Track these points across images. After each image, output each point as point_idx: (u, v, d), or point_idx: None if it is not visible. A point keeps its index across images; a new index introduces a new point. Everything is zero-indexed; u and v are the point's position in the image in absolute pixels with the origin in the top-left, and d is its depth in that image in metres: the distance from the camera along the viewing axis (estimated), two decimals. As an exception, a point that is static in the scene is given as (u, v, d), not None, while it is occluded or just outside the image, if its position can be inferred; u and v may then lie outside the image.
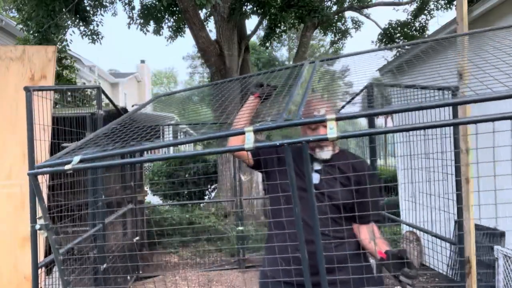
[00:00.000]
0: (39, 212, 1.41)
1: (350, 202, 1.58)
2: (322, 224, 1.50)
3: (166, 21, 8.82)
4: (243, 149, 1.13)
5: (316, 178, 1.65)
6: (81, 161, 1.24)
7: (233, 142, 1.70)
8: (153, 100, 2.20)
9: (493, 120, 0.94)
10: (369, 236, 1.59)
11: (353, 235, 1.65)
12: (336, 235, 1.58)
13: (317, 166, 1.69)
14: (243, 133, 1.15)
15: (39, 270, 1.57)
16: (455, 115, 2.53)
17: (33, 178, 1.34)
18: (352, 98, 3.64)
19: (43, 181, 2.80)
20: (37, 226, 1.37)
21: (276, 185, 1.62)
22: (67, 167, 1.23)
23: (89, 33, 7.88)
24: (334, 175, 1.64)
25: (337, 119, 1.08)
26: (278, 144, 1.14)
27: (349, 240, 1.58)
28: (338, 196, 1.59)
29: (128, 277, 4.58)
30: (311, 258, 1.20)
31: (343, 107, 4.15)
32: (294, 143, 1.13)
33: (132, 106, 4.83)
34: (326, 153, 1.66)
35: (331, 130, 1.07)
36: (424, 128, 1.07)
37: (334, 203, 1.59)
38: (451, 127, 2.50)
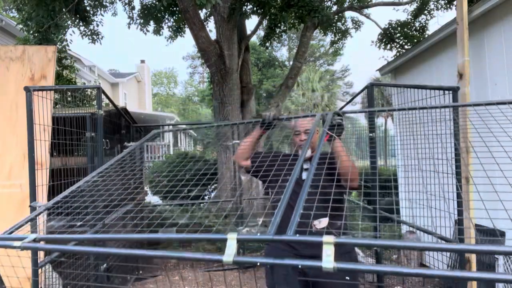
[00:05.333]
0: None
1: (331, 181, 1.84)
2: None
3: (166, 21, 8.81)
4: (220, 261, 0.98)
5: (305, 175, 2.03)
6: (35, 240, 1.23)
7: (239, 158, 2.39)
8: (150, 136, 2.38)
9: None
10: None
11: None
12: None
13: (306, 165, 2.09)
14: (225, 239, 1.00)
15: (39, 270, 1.56)
16: (455, 115, 2.53)
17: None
18: (352, 98, 3.63)
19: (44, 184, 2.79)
20: None
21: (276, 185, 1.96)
22: (16, 244, 1.21)
23: (89, 33, 7.88)
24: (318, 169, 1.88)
25: (336, 244, 0.92)
26: (258, 263, 1.01)
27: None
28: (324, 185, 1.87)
29: (128, 277, 4.57)
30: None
31: (341, 108, 4.14)
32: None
33: (125, 146, 4.79)
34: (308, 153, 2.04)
35: (328, 258, 0.90)
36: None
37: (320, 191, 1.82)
38: (452, 127, 2.50)
